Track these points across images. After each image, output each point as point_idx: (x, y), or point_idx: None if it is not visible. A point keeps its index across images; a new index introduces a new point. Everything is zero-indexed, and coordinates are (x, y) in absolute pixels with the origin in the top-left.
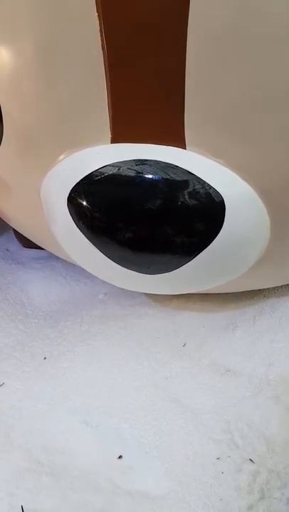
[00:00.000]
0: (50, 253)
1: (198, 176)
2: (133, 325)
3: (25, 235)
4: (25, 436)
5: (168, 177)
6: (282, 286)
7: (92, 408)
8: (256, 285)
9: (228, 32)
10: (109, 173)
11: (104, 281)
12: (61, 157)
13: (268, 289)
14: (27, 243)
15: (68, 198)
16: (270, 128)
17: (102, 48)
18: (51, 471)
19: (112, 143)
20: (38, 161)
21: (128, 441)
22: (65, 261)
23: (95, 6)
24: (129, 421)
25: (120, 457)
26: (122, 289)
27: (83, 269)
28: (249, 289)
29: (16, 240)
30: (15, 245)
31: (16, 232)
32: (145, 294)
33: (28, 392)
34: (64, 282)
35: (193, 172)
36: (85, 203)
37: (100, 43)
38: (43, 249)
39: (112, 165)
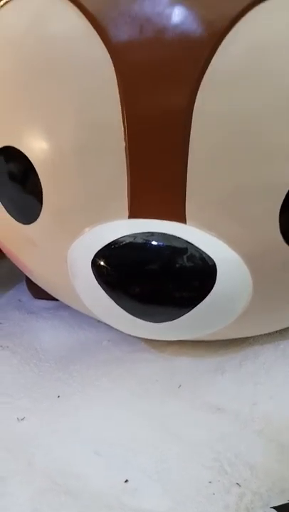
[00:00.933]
0: (59, 304)
1: (195, 244)
2: (134, 369)
3: (44, 287)
4: (44, 462)
5: (171, 244)
6: (264, 335)
7: (101, 440)
8: (242, 333)
9: (225, 141)
10: (126, 241)
11: (107, 329)
12: (87, 229)
13: (252, 337)
14: (38, 294)
15: (92, 261)
16: (254, 211)
17: (125, 151)
18: (69, 492)
19: (128, 218)
20: (68, 232)
21: (133, 467)
22: (72, 311)
23: (121, 118)
24: (134, 451)
25: (126, 481)
26: (123, 336)
27: (89, 319)
28: (236, 337)
29: (27, 291)
30: (26, 296)
31: (28, 284)
32: (144, 340)
33: (45, 426)
34: (72, 330)
35: (191, 241)
36: (105, 265)
37: (124, 147)
38: (52, 299)
39: (128, 235)
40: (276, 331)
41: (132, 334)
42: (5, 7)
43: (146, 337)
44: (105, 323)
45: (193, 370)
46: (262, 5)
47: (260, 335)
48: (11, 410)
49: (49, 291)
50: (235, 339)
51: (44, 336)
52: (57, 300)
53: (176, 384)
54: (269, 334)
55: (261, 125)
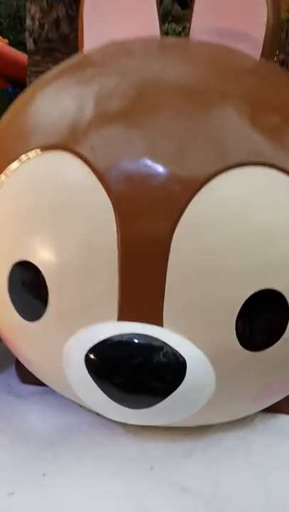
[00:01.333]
0: (45, 389)
1: (170, 344)
2: (112, 451)
3: (36, 374)
4: None
5: (150, 343)
6: (227, 423)
7: None
8: (207, 421)
9: (195, 267)
10: (115, 340)
11: (89, 415)
12: (82, 329)
13: (216, 424)
14: (26, 379)
15: (85, 355)
16: (216, 319)
17: (118, 269)
18: None
19: (117, 321)
20: (66, 330)
21: None
22: (58, 396)
23: (116, 245)
24: None
25: None
26: (102, 421)
27: (72, 404)
28: (202, 424)
29: (15, 376)
30: (15, 381)
31: (17, 370)
32: (121, 425)
33: (33, 500)
34: (57, 414)
35: (166, 342)
36: (96, 359)
37: (117, 266)
38: (38, 385)
39: (117, 335)
40: (237, 420)
41: (114, 419)
42: (31, 160)
43: (125, 421)
44: (87, 409)
45: (163, 454)
46: (225, 173)
47: (223, 423)
48: (1, 485)
49: (40, 378)
50: (202, 426)
51: (32, 419)
52: (43, 385)
53: (148, 466)
54: (231, 422)
55: (221, 257)
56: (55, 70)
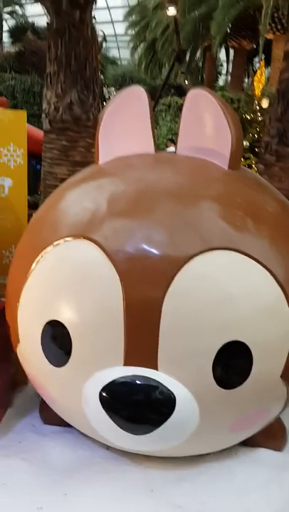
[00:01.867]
0: (63, 428)
1: (163, 383)
2: (120, 477)
3: (59, 412)
4: None
5: (148, 383)
6: (215, 454)
7: None
8: (195, 450)
9: (181, 324)
10: (121, 381)
11: (100, 449)
12: (96, 373)
13: (206, 456)
14: (47, 420)
15: (99, 393)
16: (196, 364)
17: (124, 327)
18: None
19: (123, 366)
20: (84, 374)
21: None
22: (74, 434)
23: (122, 307)
24: None
25: None
26: (112, 455)
27: (86, 440)
28: (192, 454)
29: (39, 418)
30: (38, 422)
31: (40, 412)
32: (127, 456)
33: None
34: (74, 449)
35: (160, 382)
36: (107, 396)
37: (123, 324)
38: (58, 425)
39: (123, 377)
40: (223, 452)
41: (121, 446)
42: (61, 245)
43: (130, 448)
44: (99, 444)
45: (161, 479)
46: (201, 255)
47: (211, 454)
48: (32, 501)
49: (62, 415)
50: (193, 456)
51: (53, 452)
52: (61, 425)
53: (149, 488)
54: (218, 454)
55: (199, 318)
56: (78, 175)
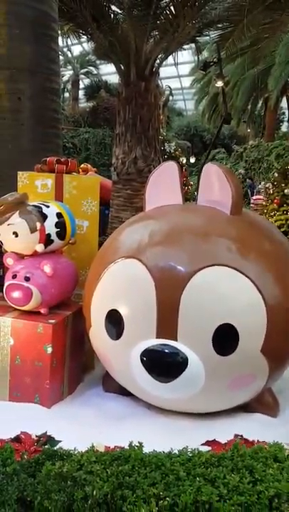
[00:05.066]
0: (117, 395)
1: (180, 349)
2: (154, 422)
3: (115, 376)
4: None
5: (172, 351)
6: (219, 416)
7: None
8: (206, 406)
9: (193, 310)
10: (154, 348)
11: (142, 406)
12: (140, 343)
13: (216, 412)
14: (107, 389)
15: (140, 356)
16: (202, 337)
17: (157, 314)
18: None
19: (156, 338)
20: (131, 345)
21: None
22: (125, 398)
23: (155, 300)
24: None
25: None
26: (146, 409)
27: (133, 401)
28: (204, 410)
29: (101, 389)
30: (100, 391)
31: (103, 383)
32: (160, 412)
33: (113, 435)
34: (123, 405)
35: (179, 348)
36: (145, 358)
37: (156, 311)
38: (113, 392)
39: (155, 345)
40: (228, 413)
41: (154, 393)
42: (119, 263)
43: (161, 394)
44: (142, 404)
45: (182, 425)
46: (204, 269)
47: (220, 412)
48: (97, 429)
49: (116, 377)
50: (205, 414)
51: (109, 407)
52: (116, 393)
53: (173, 430)
54: (225, 413)
55: (203, 307)
56: (132, 218)
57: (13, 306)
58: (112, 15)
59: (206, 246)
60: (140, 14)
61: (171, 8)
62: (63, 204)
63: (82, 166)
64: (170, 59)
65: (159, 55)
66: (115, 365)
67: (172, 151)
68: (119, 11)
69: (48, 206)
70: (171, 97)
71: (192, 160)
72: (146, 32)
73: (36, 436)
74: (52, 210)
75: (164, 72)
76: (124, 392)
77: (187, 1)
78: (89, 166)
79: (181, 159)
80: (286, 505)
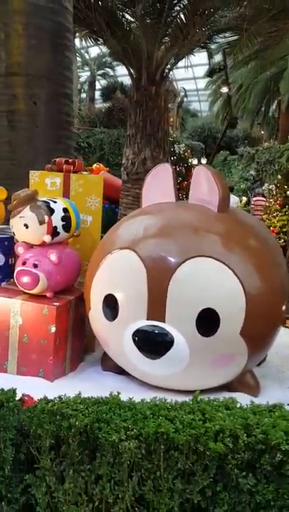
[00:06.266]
0: (114, 374)
1: (168, 330)
2: (145, 395)
3: (110, 354)
4: None
5: (161, 331)
6: (206, 391)
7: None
8: (192, 384)
9: (177, 293)
10: (144, 328)
11: (135, 383)
12: (131, 324)
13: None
14: (105, 368)
15: (132, 336)
16: (187, 319)
17: (148, 297)
18: None
19: (146, 320)
20: (124, 326)
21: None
22: (121, 376)
23: (146, 285)
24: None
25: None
26: (139, 384)
27: (127, 379)
28: (190, 388)
29: (100, 367)
30: (99, 369)
31: (101, 363)
32: (151, 389)
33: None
34: (119, 380)
35: (166, 329)
36: (136, 338)
37: (147, 295)
38: (111, 371)
39: (145, 325)
40: (212, 391)
41: (145, 369)
42: (115, 253)
43: (151, 371)
44: (136, 382)
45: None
46: (189, 260)
47: (204, 390)
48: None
49: (112, 356)
50: (191, 391)
51: (107, 382)
52: (113, 371)
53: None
54: (209, 392)
55: (188, 294)
56: (130, 214)
57: (23, 289)
58: (125, 23)
59: (193, 239)
60: (152, 22)
61: (182, 16)
62: (69, 200)
63: (94, 165)
64: (185, 62)
65: (170, 61)
66: (111, 345)
67: (181, 152)
68: (132, 19)
69: (55, 202)
70: (185, 99)
71: (203, 161)
72: (157, 39)
73: (38, 399)
74: (59, 206)
75: (179, 73)
76: (120, 371)
77: (197, 10)
78: (101, 165)
79: (190, 160)
80: (228, 439)
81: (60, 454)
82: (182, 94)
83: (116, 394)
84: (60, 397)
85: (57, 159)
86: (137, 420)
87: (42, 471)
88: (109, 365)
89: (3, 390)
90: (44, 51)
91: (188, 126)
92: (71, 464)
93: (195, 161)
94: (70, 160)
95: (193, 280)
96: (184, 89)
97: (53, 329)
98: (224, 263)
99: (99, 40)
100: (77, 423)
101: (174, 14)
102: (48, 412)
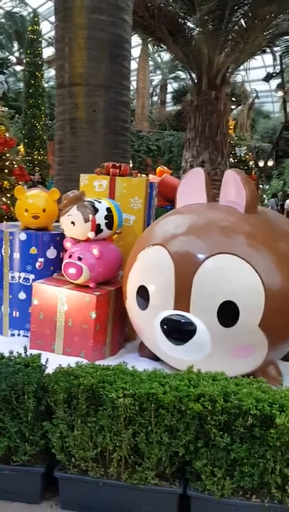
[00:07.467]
0: (148, 359)
1: (192, 320)
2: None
3: (144, 340)
4: None
5: (186, 320)
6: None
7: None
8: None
9: (202, 287)
10: (172, 317)
11: (165, 366)
12: (160, 313)
13: None
14: (141, 354)
15: (160, 324)
16: (210, 311)
17: (174, 289)
18: None
19: (173, 309)
20: (154, 314)
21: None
22: (154, 361)
23: (174, 276)
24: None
25: None
26: (170, 370)
27: (159, 364)
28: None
29: (137, 354)
30: (136, 355)
31: (139, 350)
32: (168, 369)
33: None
34: (153, 365)
35: (190, 319)
36: (164, 326)
37: (174, 288)
38: (146, 357)
39: (172, 314)
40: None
41: (172, 354)
42: (149, 248)
43: (176, 355)
44: (165, 366)
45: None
46: (213, 256)
47: None
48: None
49: (145, 342)
50: None
51: (142, 365)
52: (148, 358)
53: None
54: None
55: (211, 286)
56: (166, 214)
57: (69, 280)
58: (186, 29)
59: (218, 237)
60: (213, 28)
61: (242, 22)
62: (114, 201)
63: (158, 168)
64: (259, 63)
65: (230, 66)
66: (144, 332)
67: (242, 155)
68: (193, 26)
69: (100, 202)
70: (257, 100)
71: (270, 163)
72: (218, 45)
73: None
74: (103, 205)
75: (253, 74)
76: (155, 357)
77: (257, 15)
78: (165, 168)
79: (251, 163)
80: (208, 403)
81: (72, 407)
82: (254, 95)
83: (123, 363)
84: (77, 362)
85: (105, 164)
86: (135, 383)
87: (57, 420)
88: (145, 352)
89: (31, 354)
90: (103, 62)
91: (259, 128)
92: (80, 416)
93: (261, 163)
94: (117, 164)
95: (215, 275)
96: (256, 90)
97: (94, 315)
98: (245, 260)
99: (162, 47)
100: (85, 381)
101: (234, 19)
102: (64, 373)
